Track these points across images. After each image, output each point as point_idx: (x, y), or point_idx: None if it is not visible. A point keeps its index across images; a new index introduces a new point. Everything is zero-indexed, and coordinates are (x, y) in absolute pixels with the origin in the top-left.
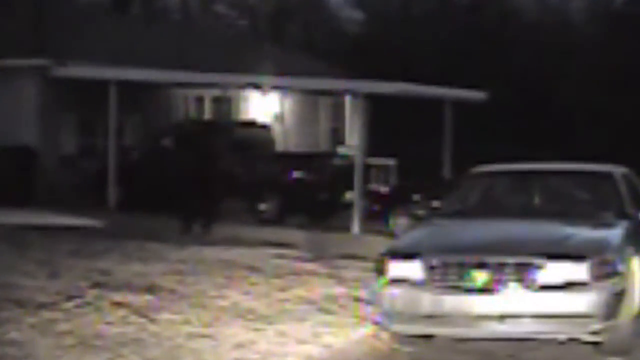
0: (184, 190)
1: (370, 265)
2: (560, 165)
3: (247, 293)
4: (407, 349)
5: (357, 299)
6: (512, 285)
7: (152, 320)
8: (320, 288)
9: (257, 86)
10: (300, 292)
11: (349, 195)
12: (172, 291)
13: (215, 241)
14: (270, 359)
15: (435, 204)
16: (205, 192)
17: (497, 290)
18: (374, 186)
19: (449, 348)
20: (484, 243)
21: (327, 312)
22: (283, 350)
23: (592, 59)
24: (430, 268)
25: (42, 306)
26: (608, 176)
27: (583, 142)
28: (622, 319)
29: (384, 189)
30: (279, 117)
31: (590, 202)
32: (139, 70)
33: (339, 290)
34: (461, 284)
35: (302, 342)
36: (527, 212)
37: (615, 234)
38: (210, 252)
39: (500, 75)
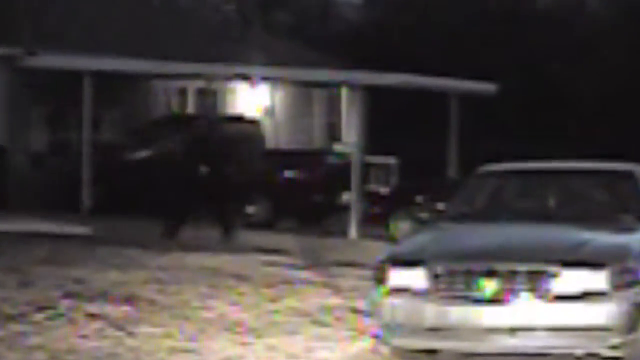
0: (186, 192)
1: (369, 273)
2: (577, 164)
3: (234, 304)
4: None
5: (355, 310)
6: (524, 295)
7: (130, 334)
8: (315, 298)
9: (245, 77)
10: (292, 302)
11: (345, 197)
12: (152, 301)
13: (199, 247)
14: None
15: (440, 206)
16: (219, 195)
17: (508, 301)
18: (373, 187)
19: None
20: (493, 249)
21: (322, 324)
22: None
23: (611, 48)
24: (435, 276)
25: (10, 318)
26: (629, 176)
27: (602, 139)
28: None
29: (384, 190)
30: (269, 112)
31: (609, 204)
32: (116, 60)
33: (334, 300)
34: (468, 293)
35: (294, 357)
36: (541, 215)
37: (637, 239)
38: (194, 259)
39: (511, 65)
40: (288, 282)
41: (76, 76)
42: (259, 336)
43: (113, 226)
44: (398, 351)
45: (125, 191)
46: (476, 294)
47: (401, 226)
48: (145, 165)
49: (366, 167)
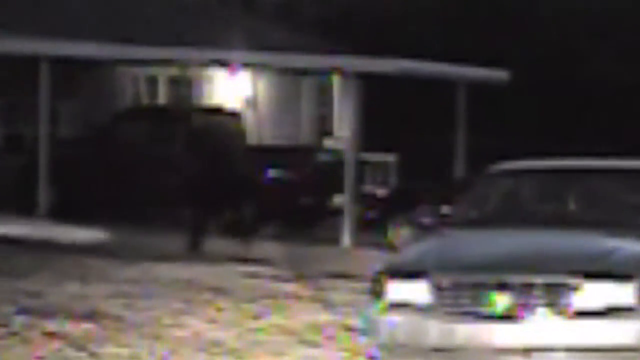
0: (193, 196)
1: (365, 286)
2: (601, 162)
3: (211, 321)
4: None
5: (348, 328)
6: (541, 311)
7: (93, 355)
8: (303, 315)
9: (224, 64)
10: (277, 319)
11: (338, 200)
12: (118, 318)
13: (171, 256)
14: None
15: (446, 210)
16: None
17: (522, 318)
18: (369, 188)
19: None
20: (505, 259)
21: (311, 344)
22: None
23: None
24: (439, 290)
25: None
26: None
27: (629, 134)
28: None
29: (381, 192)
30: (252, 103)
31: (637, 207)
32: (78, 45)
33: (325, 317)
34: (477, 309)
35: None
36: (560, 220)
37: None
38: (166, 270)
39: (527, 50)
40: (272, 296)
41: (32, 62)
42: (239, 358)
43: (73, 231)
44: None
45: (86, 192)
46: (486, 310)
47: (401, 233)
48: (110, 163)
49: (361, 165)
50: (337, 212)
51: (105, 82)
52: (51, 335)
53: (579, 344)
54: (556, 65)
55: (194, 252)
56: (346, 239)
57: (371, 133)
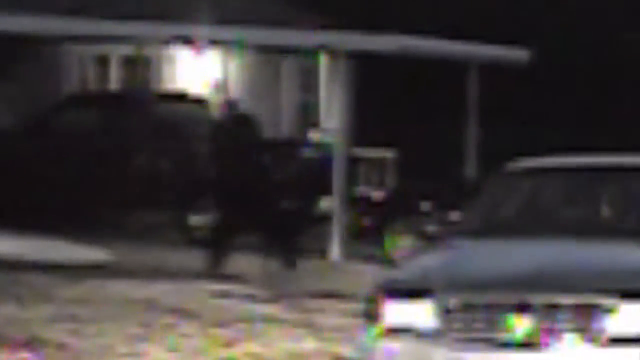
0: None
1: (357, 307)
2: (637, 159)
3: (173, 349)
4: None
5: (338, 358)
6: (569, 337)
7: None
8: (283, 341)
9: (188, 41)
10: (253, 347)
11: (325, 204)
12: (61, 346)
13: (126, 271)
14: None
15: (454, 216)
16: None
17: (546, 345)
18: (362, 190)
19: None
20: (525, 275)
21: None
22: None
23: None
24: (447, 312)
25: None
26: None
27: None
28: None
29: (377, 194)
30: (222, 87)
31: None
32: (13, 18)
33: (310, 344)
34: (492, 335)
35: None
36: (590, 229)
37: None
38: (120, 288)
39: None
40: (247, 319)
41: None
42: None
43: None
44: None
45: (20, 195)
46: (503, 336)
47: (401, 243)
48: (50, 159)
49: (353, 163)
50: (325, 218)
51: (46, 62)
52: None
53: None
54: (585, 44)
55: (214, 269)
56: (335, 251)
57: (365, 124)
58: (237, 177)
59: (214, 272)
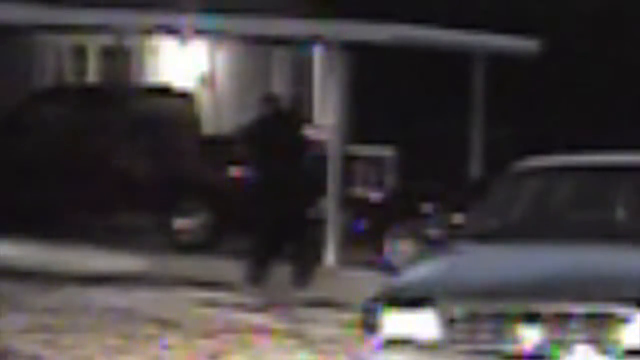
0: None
1: (354, 317)
2: None
3: None
4: None
5: None
6: (582, 349)
7: None
8: (274, 354)
9: (172, 30)
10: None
11: (319, 205)
12: (36, 358)
13: (105, 277)
14: None
15: (457, 219)
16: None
17: (557, 358)
18: (359, 191)
19: None
20: (534, 282)
21: None
22: None
23: None
24: (450, 322)
25: None
26: None
27: None
28: None
29: (375, 196)
30: (208, 81)
31: None
32: None
33: (303, 357)
34: (499, 347)
35: None
36: (604, 232)
37: None
38: (98, 296)
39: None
40: (235, 330)
41: None
42: None
43: None
44: None
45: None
46: (511, 348)
47: (400, 248)
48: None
49: (350, 161)
50: (319, 221)
51: (19, 53)
52: None
53: None
54: (601, 34)
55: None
56: (330, 257)
57: (362, 120)
58: (285, 179)
59: (251, 286)
